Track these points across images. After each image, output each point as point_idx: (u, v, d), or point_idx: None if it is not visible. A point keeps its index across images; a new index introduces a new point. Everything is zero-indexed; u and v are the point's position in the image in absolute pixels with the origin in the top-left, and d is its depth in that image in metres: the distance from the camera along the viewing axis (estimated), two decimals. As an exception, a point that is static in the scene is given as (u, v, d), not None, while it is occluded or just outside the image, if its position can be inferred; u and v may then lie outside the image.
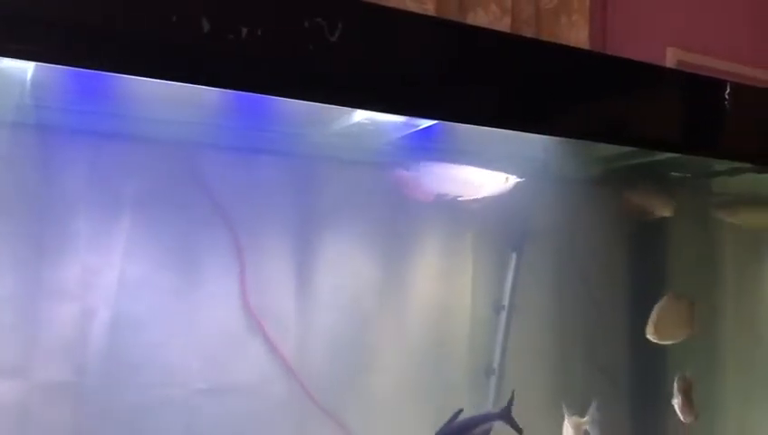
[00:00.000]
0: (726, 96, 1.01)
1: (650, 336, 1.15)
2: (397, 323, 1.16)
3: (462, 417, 1.03)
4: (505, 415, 1.08)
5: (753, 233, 1.32)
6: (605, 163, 1.17)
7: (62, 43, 0.65)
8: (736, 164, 1.12)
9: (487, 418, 1.07)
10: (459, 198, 1.09)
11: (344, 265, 1.13)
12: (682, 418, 1.15)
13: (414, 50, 0.81)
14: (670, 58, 1.79)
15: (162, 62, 0.69)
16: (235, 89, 0.73)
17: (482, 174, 1.10)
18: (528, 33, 1.54)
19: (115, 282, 0.98)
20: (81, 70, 0.67)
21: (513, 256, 1.25)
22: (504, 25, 1.49)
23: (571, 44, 1.51)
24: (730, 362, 1.32)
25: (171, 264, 1.02)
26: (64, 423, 0.95)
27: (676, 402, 1.15)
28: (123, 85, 0.77)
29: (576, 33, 1.60)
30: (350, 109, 0.89)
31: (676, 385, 1.15)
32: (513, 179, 1.09)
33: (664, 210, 1.24)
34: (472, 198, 1.10)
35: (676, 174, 1.26)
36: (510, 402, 1.09)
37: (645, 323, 1.16)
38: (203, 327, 1.03)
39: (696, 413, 1.15)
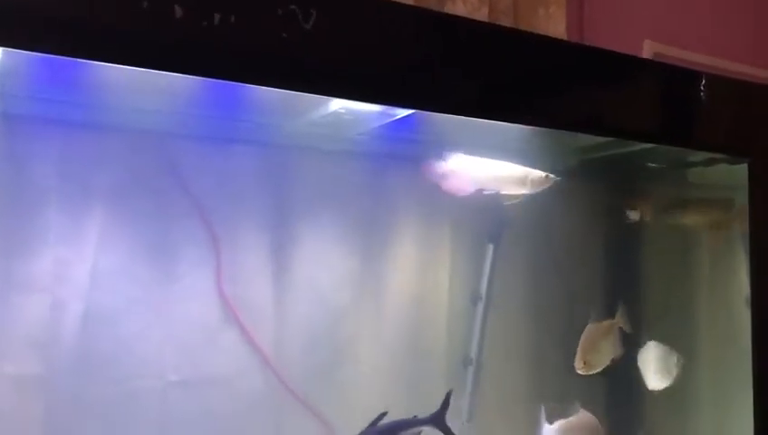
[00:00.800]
0: (702, 87, 1.02)
1: (581, 371, 1.11)
2: (374, 313, 1.16)
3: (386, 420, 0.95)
4: (437, 420, 0.98)
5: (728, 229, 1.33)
6: (582, 154, 1.17)
7: (30, 28, 0.64)
8: (711, 155, 1.13)
9: (414, 423, 0.98)
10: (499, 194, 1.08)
11: (321, 256, 1.12)
12: (648, 385, 1.15)
13: (390, 39, 0.80)
14: (647, 50, 1.80)
15: (133, 49, 0.68)
16: (207, 76, 0.72)
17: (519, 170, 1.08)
18: (505, 23, 1.53)
19: (88, 273, 0.96)
20: (50, 57, 0.66)
21: (491, 247, 1.25)
22: (481, 15, 1.49)
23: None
24: (705, 361, 1.33)
25: (145, 254, 1.00)
26: (36, 416, 0.94)
27: (645, 371, 1.15)
28: (94, 73, 0.75)
29: (554, 25, 1.60)
30: (325, 98, 0.88)
31: (640, 354, 1.16)
32: (552, 178, 1.08)
33: (644, 214, 1.25)
34: (512, 194, 1.08)
35: (653, 165, 1.27)
36: (444, 406, 1.00)
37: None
38: (178, 318, 1.02)
39: (662, 381, 1.14)
